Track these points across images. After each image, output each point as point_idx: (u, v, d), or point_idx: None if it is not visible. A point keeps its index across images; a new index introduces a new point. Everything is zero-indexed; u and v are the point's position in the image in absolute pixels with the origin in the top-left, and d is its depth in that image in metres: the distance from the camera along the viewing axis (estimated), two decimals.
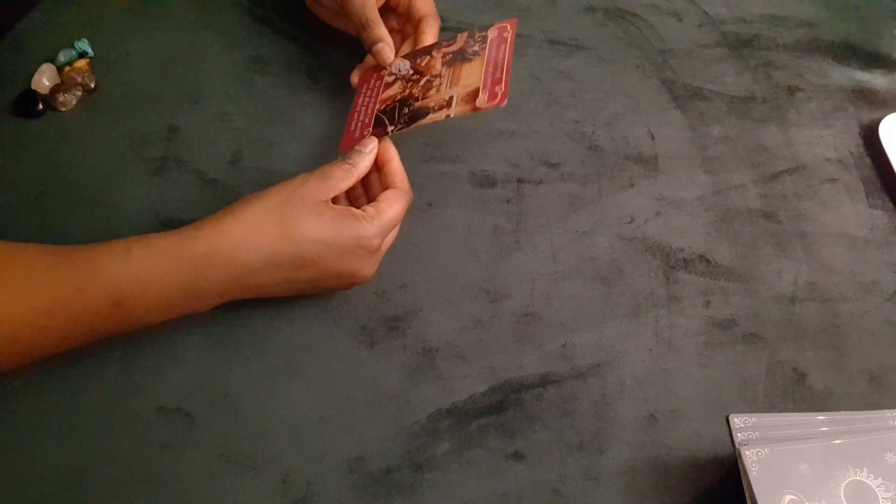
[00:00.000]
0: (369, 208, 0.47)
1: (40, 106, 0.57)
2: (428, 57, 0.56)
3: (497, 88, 0.51)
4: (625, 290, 0.54)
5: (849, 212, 0.60)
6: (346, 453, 0.47)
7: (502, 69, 0.52)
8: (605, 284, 0.55)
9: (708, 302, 0.55)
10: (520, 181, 0.59)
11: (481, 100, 0.51)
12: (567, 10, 0.70)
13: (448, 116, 0.51)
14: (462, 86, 0.52)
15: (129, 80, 0.60)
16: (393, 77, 0.56)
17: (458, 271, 0.54)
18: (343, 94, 0.61)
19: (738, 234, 0.58)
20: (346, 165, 0.49)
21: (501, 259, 0.55)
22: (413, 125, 0.52)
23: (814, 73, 0.68)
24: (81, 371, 0.47)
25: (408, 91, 0.55)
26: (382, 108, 0.55)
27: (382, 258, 0.50)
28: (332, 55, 0.63)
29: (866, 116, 0.66)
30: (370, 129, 0.54)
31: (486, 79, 0.52)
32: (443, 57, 0.55)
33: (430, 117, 0.52)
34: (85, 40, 0.60)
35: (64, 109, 0.57)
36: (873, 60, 0.69)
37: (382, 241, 0.48)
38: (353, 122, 0.55)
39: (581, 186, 0.59)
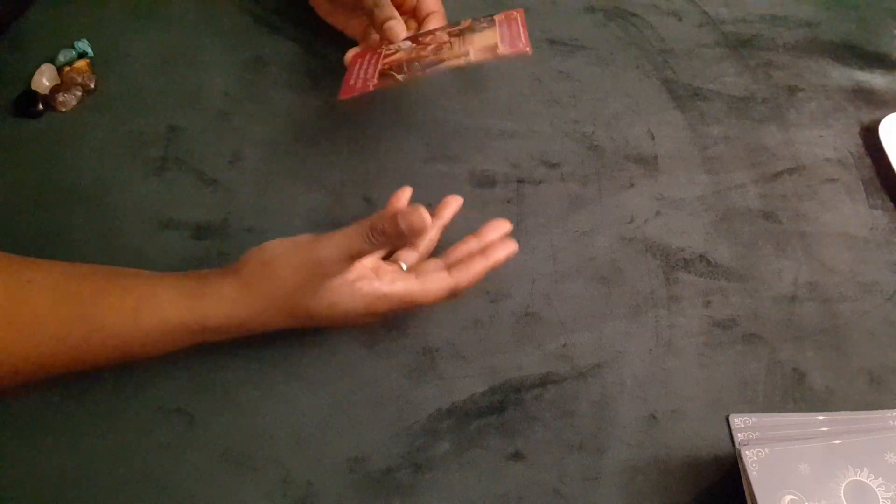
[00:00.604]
0: (391, 278, 0.45)
1: (40, 106, 0.57)
2: (432, 36, 0.54)
3: (517, 40, 0.49)
4: (625, 290, 0.54)
5: (849, 212, 0.60)
6: (347, 453, 0.47)
7: (518, 28, 0.50)
8: (605, 284, 0.55)
9: (708, 302, 0.55)
10: (520, 181, 0.59)
11: (502, 48, 0.48)
12: (567, 10, 0.70)
13: (468, 62, 0.48)
14: (477, 43, 0.50)
15: (129, 80, 0.60)
16: (394, 49, 0.54)
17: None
18: None
19: (738, 234, 0.58)
20: (373, 242, 0.43)
21: None
22: (428, 70, 0.49)
23: (814, 73, 0.68)
24: (81, 371, 0.47)
25: (415, 54, 0.52)
26: (388, 66, 0.52)
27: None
28: (333, 55, 0.63)
29: (866, 116, 0.66)
30: (375, 80, 0.50)
31: (503, 36, 0.50)
32: (448, 33, 0.54)
33: (446, 63, 0.49)
34: (85, 40, 0.60)
35: (64, 109, 0.57)
36: (873, 60, 0.69)
37: (392, 314, 0.47)
38: (353, 77, 0.52)
39: (581, 186, 0.59)
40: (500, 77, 0.64)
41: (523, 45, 0.48)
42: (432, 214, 0.55)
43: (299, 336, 0.50)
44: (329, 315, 0.44)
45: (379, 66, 0.52)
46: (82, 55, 0.60)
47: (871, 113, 0.66)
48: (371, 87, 0.49)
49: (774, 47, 0.69)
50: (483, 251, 0.49)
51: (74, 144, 0.56)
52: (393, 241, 0.43)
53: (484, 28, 0.53)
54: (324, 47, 0.64)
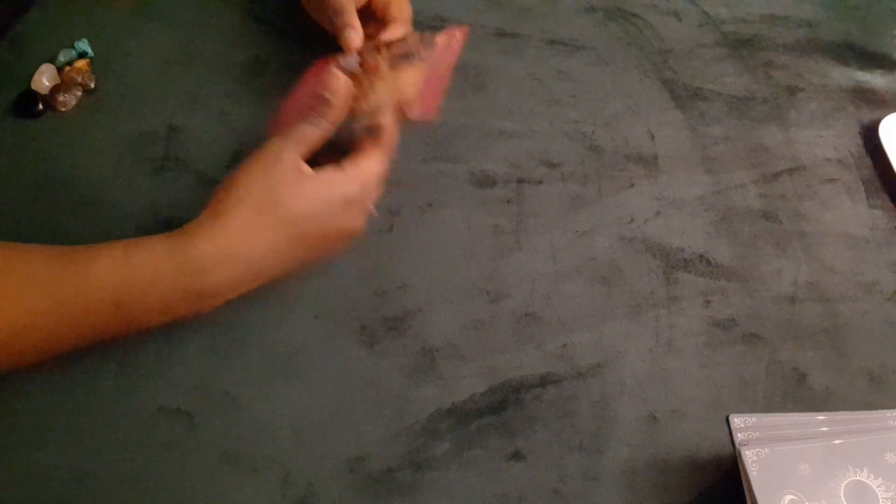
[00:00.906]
0: (349, 166, 0.47)
1: (40, 106, 0.57)
2: (377, 54, 0.56)
3: (430, 99, 0.52)
4: (625, 290, 0.54)
5: (849, 212, 0.60)
6: (347, 453, 0.47)
7: (442, 80, 0.53)
8: (605, 284, 0.55)
9: (708, 302, 0.55)
10: (520, 181, 0.59)
11: (413, 110, 0.51)
12: (567, 10, 0.70)
13: (372, 123, 0.51)
14: (397, 91, 0.52)
15: (129, 81, 0.60)
16: (341, 70, 0.55)
17: (458, 271, 0.54)
18: None
19: (738, 234, 0.58)
20: (317, 122, 0.48)
21: (501, 259, 0.55)
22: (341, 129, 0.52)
23: (814, 73, 0.68)
24: (82, 371, 0.47)
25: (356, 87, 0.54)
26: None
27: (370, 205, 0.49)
28: (333, 56, 0.63)
29: (866, 116, 0.66)
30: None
31: (423, 88, 0.52)
32: (391, 58, 0.55)
33: (358, 122, 0.52)
34: (85, 40, 0.60)
35: (64, 109, 0.57)
36: (873, 60, 0.69)
37: (366, 191, 0.48)
38: (285, 112, 0.54)
39: (581, 186, 0.59)
40: (500, 77, 0.64)
41: (433, 110, 0.51)
42: (430, 209, 0.55)
43: (300, 336, 0.50)
44: (307, 212, 0.45)
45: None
46: (82, 55, 0.60)
47: (871, 113, 0.66)
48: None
49: (774, 47, 0.69)
50: None
51: (74, 144, 0.56)
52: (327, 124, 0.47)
53: (420, 60, 0.54)
54: (324, 48, 0.63)
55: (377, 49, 0.56)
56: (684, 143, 0.62)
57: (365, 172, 0.47)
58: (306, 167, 0.46)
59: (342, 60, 0.55)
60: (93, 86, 0.58)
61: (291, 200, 0.45)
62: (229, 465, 0.45)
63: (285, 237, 0.45)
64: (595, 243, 0.56)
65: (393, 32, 0.57)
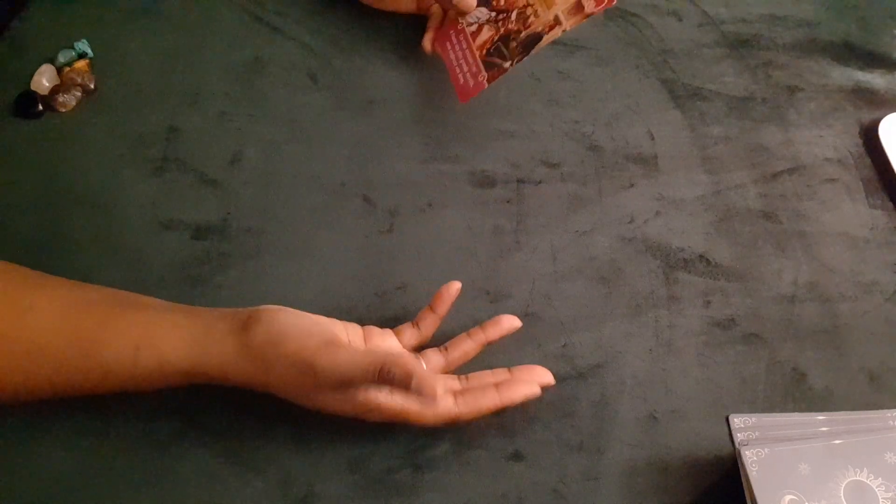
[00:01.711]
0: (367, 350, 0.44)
1: (40, 107, 0.57)
2: None
3: None
4: (625, 290, 0.54)
5: (849, 212, 0.60)
6: (347, 453, 0.47)
7: None
8: (604, 285, 0.55)
9: (708, 302, 0.55)
10: (520, 181, 0.59)
11: (589, 5, 0.48)
12: None
13: (564, 31, 0.49)
14: (560, 3, 0.50)
15: (129, 81, 0.60)
16: (475, 25, 0.53)
17: (458, 271, 0.54)
18: (342, 93, 0.61)
19: (738, 234, 0.58)
20: (378, 380, 0.41)
21: (501, 259, 0.55)
22: (532, 51, 0.50)
23: (813, 73, 0.68)
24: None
25: (504, 29, 0.52)
26: (484, 53, 0.52)
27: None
28: (333, 55, 0.63)
29: (866, 116, 0.66)
30: (484, 73, 0.51)
31: None
32: None
33: (546, 38, 0.49)
34: (84, 41, 0.60)
35: (63, 110, 0.57)
36: (873, 60, 0.69)
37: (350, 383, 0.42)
38: (461, 76, 0.52)
39: (581, 186, 0.59)
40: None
41: None
42: (430, 209, 0.54)
43: None
44: (323, 402, 0.43)
45: (476, 53, 0.52)
46: (82, 55, 0.60)
47: (870, 113, 0.66)
48: (486, 86, 0.50)
49: (774, 47, 0.69)
50: (498, 386, 0.45)
51: (74, 145, 0.56)
52: (397, 388, 0.42)
53: None
54: (324, 47, 0.64)
55: None
56: (684, 143, 0.62)
57: (396, 416, 0.43)
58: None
59: (468, 18, 0.53)
60: (93, 86, 0.58)
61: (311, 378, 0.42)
62: (229, 465, 0.45)
63: (296, 389, 0.43)
64: (595, 243, 0.56)
65: None
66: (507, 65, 0.49)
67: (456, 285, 0.47)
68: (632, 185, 0.60)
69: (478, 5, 0.55)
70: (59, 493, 0.44)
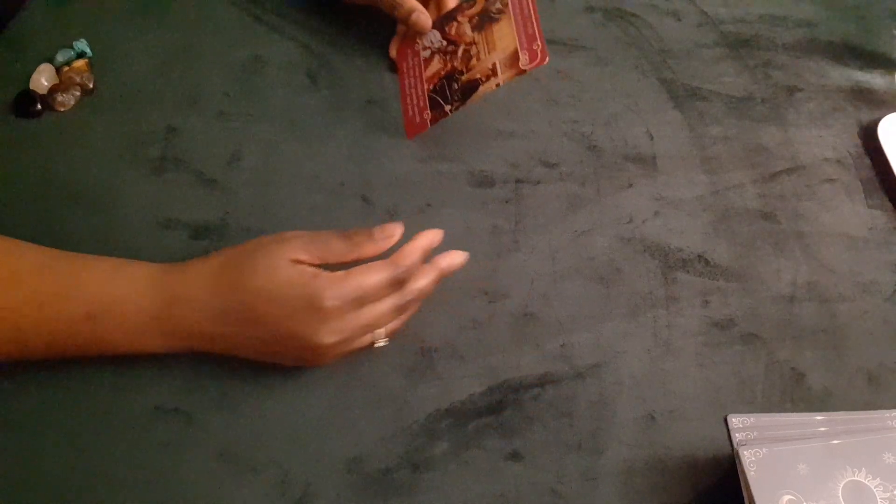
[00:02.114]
0: (339, 272, 0.43)
1: (38, 106, 0.57)
2: (455, 23, 0.57)
3: (534, 45, 0.51)
4: (623, 290, 0.54)
5: (847, 212, 0.60)
6: (345, 453, 0.47)
7: (532, 23, 0.52)
8: (603, 285, 0.55)
9: (706, 302, 0.55)
10: (518, 181, 0.59)
11: (523, 61, 0.51)
12: (566, 10, 0.70)
13: (498, 85, 0.52)
14: (500, 49, 0.53)
15: (128, 81, 0.60)
16: (429, 51, 0.57)
17: (457, 271, 0.54)
18: (341, 93, 0.61)
19: (737, 234, 0.58)
20: (349, 244, 0.44)
21: (500, 259, 0.55)
22: (468, 101, 0.53)
23: (813, 73, 0.68)
24: (80, 371, 0.47)
25: (450, 65, 0.56)
26: (431, 87, 0.56)
27: (355, 338, 0.45)
28: (332, 55, 0.63)
29: (865, 116, 0.66)
30: (428, 111, 0.55)
31: (520, 38, 0.52)
32: (469, 21, 0.56)
33: (482, 89, 0.53)
34: (83, 40, 0.60)
35: (62, 110, 0.57)
36: (872, 60, 0.69)
37: (344, 308, 0.43)
38: (410, 108, 0.57)
39: (580, 186, 0.59)
40: None
41: (540, 53, 0.50)
42: (428, 209, 0.55)
43: None
44: (266, 292, 0.42)
45: (425, 84, 0.57)
46: (81, 55, 0.60)
47: (870, 113, 0.66)
48: (429, 126, 0.55)
49: (773, 47, 0.69)
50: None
51: (73, 145, 0.56)
52: (358, 250, 0.44)
53: (500, 12, 0.54)
54: (323, 47, 0.64)
55: (452, 19, 0.57)
56: (683, 144, 0.62)
57: (350, 284, 0.42)
58: (298, 258, 0.43)
59: (423, 40, 0.57)
60: (91, 86, 0.58)
61: (257, 275, 0.42)
62: (227, 465, 0.45)
63: (235, 308, 0.43)
64: (594, 243, 0.56)
65: None
66: (448, 108, 0.53)
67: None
68: (630, 185, 0.59)
69: (433, 28, 0.58)
70: (59, 493, 0.44)
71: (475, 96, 0.53)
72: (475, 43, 0.54)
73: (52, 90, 0.57)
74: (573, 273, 0.55)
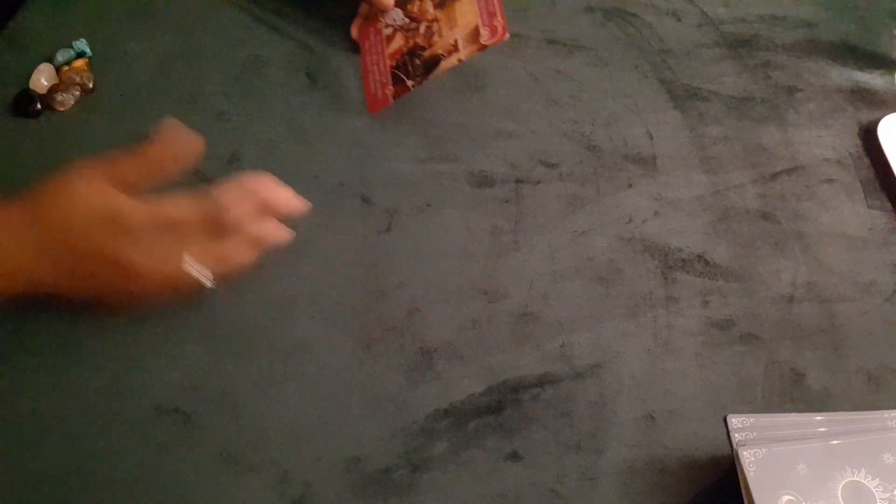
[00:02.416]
0: (149, 200, 0.43)
1: (38, 105, 0.57)
2: (417, 1, 0.58)
3: (495, 22, 0.52)
4: (623, 290, 0.54)
5: (847, 212, 0.60)
6: (344, 453, 0.47)
7: (493, 1, 0.53)
8: (603, 285, 0.55)
9: (706, 302, 0.55)
10: (518, 181, 0.59)
11: (484, 37, 0.52)
12: (566, 10, 0.70)
13: (460, 61, 0.53)
14: (461, 26, 0.53)
15: (127, 80, 0.60)
16: (391, 29, 0.58)
17: (456, 271, 0.54)
18: (341, 93, 0.61)
19: (737, 235, 0.58)
20: (138, 157, 0.44)
21: (499, 259, 0.55)
22: (430, 76, 0.54)
23: (813, 74, 0.68)
24: (79, 371, 0.47)
25: (412, 42, 0.56)
26: (393, 64, 0.57)
27: (166, 263, 0.44)
28: (332, 55, 0.63)
29: (865, 117, 0.66)
30: (391, 86, 0.56)
31: (481, 14, 0.53)
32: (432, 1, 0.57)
33: (443, 65, 0.53)
34: (83, 40, 0.60)
35: (62, 109, 0.57)
36: (872, 61, 0.69)
37: (148, 228, 0.42)
38: (372, 84, 0.57)
39: (579, 186, 0.59)
40: (499, 77, 0.64)
41: (501, 29, 0.51)
42: (428, 209, 0.54)
43: (297, 336, 0.50)
44: (67, 212, 0.42)
45: (387, 61, 0.57)
46: (81, 55, 0.60)
47: (869, 113, 0.66)
48: (391, 101, 0.55)
49: (773, 47, 0.69)
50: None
51: (72, 144, 0.56)
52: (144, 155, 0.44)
53: None
54: (323, 47, 0.64)
55: None
56: (683, 144, 0.62)
57: (156, 207, 0.42)
58: (95, 181, 0.43)
59: (385, 18, 0.58)
60: (91, 86, 0.58)
61: (59, 202, 0.43)
62: (227, 465, 0.45)
63: (47, 239, 0.43)
64: (593, 243, 0.56)
65: None
66: (410, 83, 0.54)
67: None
68: (630, 186, 0.59)
69: (396, 6, 0.59)
70: (59, 493, 0.44)
71: (437, 71, 0.54)
72: (437, 20, 0.55)
73: (52, 90, 0.57)
74: (573, 273, 0.55)
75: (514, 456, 0.48)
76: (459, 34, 0.53)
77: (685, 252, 0.57)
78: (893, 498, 0.43)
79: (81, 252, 0.43)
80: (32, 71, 0.58)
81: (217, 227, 0.45)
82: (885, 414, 0.51)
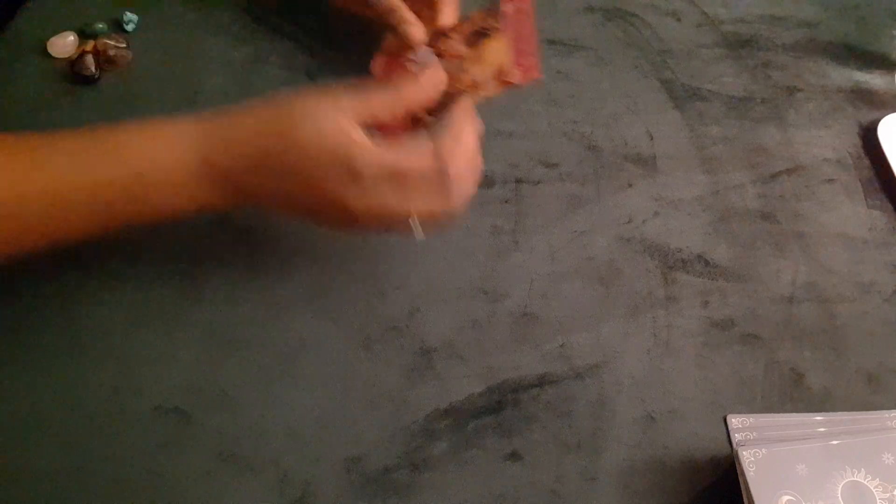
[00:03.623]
0: (381, 143, 0.43)
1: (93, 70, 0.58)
2: (447, 39, 0.55)
3: (527, 60, 0.50)
4: (623, 290, 0.54)
5: (847, 212, 0.60)
6: (344, 453, 0.47)
7: (529, 42, 0.51)
8: (603, 285, 0.55)
9: (706, 302, 0.55)
10: (518, 181, 0.59)
11: (514, 75, 0.50)
12: (566, 10, 0.70)
13: (486, 98, 0.50)
14: (489, 63, 0.51)
15: (128, 79, 0.60)
16: (416, 66, 0.55)
17: (456, 271, 0.54)
18: None
19: (737, 235, 0.58)
20: (392, 92, 0.44)
21: (499, 259, 0.55)
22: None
23: (813, 74, 0.68)
24: (79, 370, 0.47)
25: None
26: None
27: (386, 215, 0.44)
28: (332, 55, 0.63)
29: (865, 117, 0.66)
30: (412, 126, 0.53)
31: (514, 54, 0.51)
32: (463, 38, 0.54)
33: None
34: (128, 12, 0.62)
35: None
36: (872, 61, 0.69)
37: (378, 180, 0.42)
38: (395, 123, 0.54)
39: (579, 186, 0.59)
40: None
41: (533, 68, 0.49)
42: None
43: (297, 335, 0.50)
44: (307, 146, 0.42)
45: None
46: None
47: (869, 113, 0.66)
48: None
49: (773, 48, 0.69)
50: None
51: None
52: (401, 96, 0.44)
53: (494, 30, 0.52)
54: (323, 47, 0.64)
55: (446, 35, 0.55)
56: (683, 144, 0.62)
57: (390, 157, 0.42)
58: (345, 116, 0.42)
59: (413, 56, 0.54)
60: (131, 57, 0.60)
61: (302, 126, 0.42)
62: (226, 464, 0.45)
63: (276, 156, 0.43)
64: (593, 243, 0.56)
65: (449, 13, 0.56)
66: (429, 120, 0.51)
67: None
68: (630, 186, 0.59)
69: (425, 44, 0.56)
70: (58, 492, 0.44)
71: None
72: (466, 58, 0.53)
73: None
74: (573, 273, 0.55)
75: (514, 456, 0.48)
76: (488, 71, 0.51)
77: (685, 252, 0.57)
78: (893, 498, 0.43)
79: (306, 183, 0.43)
80: (28, 67, 0.58)
81: (439, 184, 0.44)
82: (885, 414, 0.51)
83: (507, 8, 0.53)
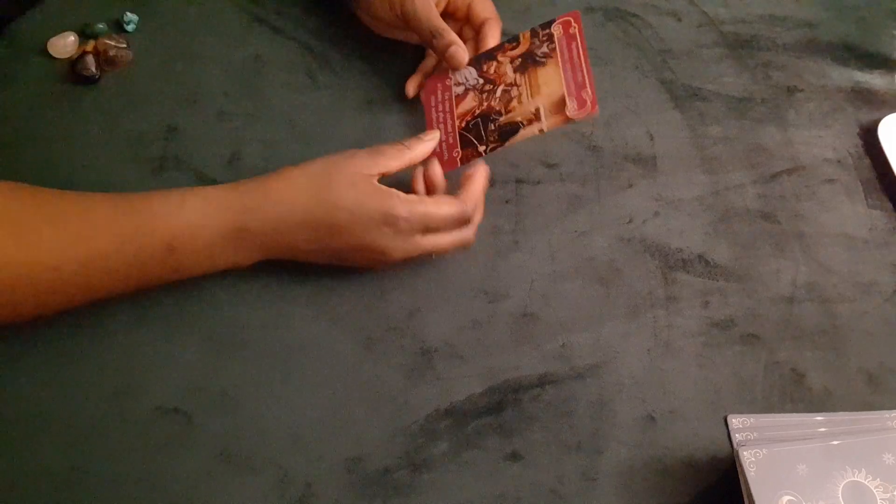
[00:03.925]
0: (412, 195, 0.49)
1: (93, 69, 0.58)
2: (494, 63, 0.54)
3: (584, 94, 0.49)
4: (623, 290, 0.54)
5: (847, 212, 0.60)
6: (345, 453, 0.47)
7: (582, 71, 0.50)
8: (603, 285, 0.55)
9: (706, 302, 0.55)
10: (518, 181, 0.59)
11: (571, 109, 0.49)
12: (566, 10, 0.69)
13: (542, 131, 0.50)
14: (544, 94, 0.50)
15: (128, 80, 0.60)
16: (462, 87, 0.54)
17: (457, 271, 0.54)
18: (341, 93, 0.61)
19: (737, 235, 0.58)
20: (400, 146, 0.50)
21: (500, 259, 0.55)
22: (507, 143, 0.51)
23: (813, 74, 0.68)
24: (80, 371, 0.47)
25: (486, 104, 0.53)
26: (462, 124, 0.53)
27: (419, 253, 0.50)
28: (332, 55, 0.63)
29: (865, 117, 0.66)
30: (458, 149, 0.53)
31: (568, 84, 0.50)
32: (511, 62, 0.53)
33: (522, 133, 0.50)
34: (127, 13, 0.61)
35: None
36: (872, 61, 0.69)
37: (414, 229, 0.48)
38: (437, 144, 0.54)
39: (580, 187, 0.59)
40: None
41: (590, 103, 0.48)
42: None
43: (298, 336, 0.50)
44: (349, 205, 0.46)
45: (456, 121, 0.54)
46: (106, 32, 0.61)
47: (870, 113, 0.66)
48: (459, 165, 0.53)
49: (774, 48, 0.69)
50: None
51: (73, 143, 0.56)
52: (409, 151, 0.51)
53: (546, 56, 0.51)
54: (323, 47, 0.64)
55: (491, 57, 0.54)
56: (683, 144, 0.62)
57: (421, 208, 0.48)
58: (371, 173, 0.48)
59: (456, 76, 0.54)
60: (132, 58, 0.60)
61: (338, 189, 0.47)
62: (227, 465, 0.45)
63: (318, 218, 0.47)
64: (593, 243, 0.56)
65: (492, 34, 0.57)
66: (482, 149, 0.51)
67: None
68: (630, 186, 0.59)
69: (469, 64, 0.55)
70: (59, 492, 0.44)
71: (514, 139, 0.51)
72: (516, 84, 0.51)
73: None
74: (573, 273, 0.55)
75: (514, 456, 0.48)
76: (542, 102, 0.49)
77: (685, 252, 0.57)
78: (894, 498, 0.43)
79: (350, 237, 0.48)
80: (28, 69, 0.58)
81: (462, 225, 0.50)
82: (885, 414, 0.51)
83: (557, 31, 0.52)
